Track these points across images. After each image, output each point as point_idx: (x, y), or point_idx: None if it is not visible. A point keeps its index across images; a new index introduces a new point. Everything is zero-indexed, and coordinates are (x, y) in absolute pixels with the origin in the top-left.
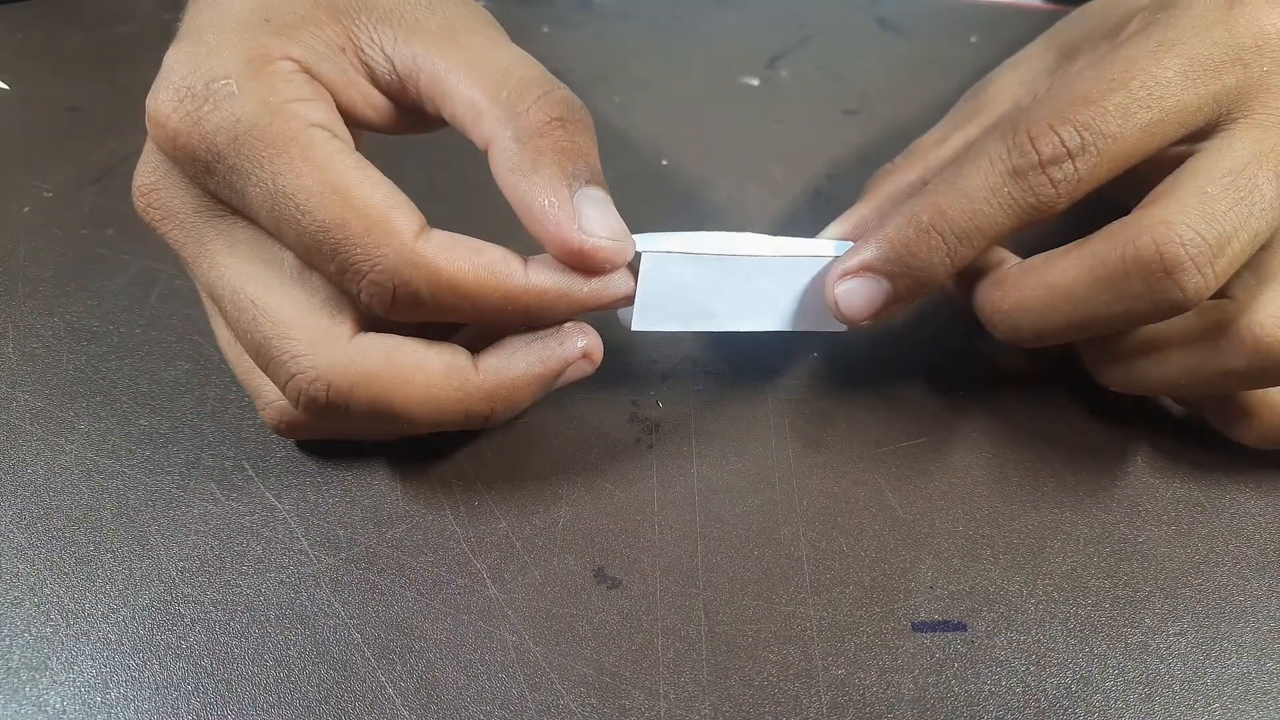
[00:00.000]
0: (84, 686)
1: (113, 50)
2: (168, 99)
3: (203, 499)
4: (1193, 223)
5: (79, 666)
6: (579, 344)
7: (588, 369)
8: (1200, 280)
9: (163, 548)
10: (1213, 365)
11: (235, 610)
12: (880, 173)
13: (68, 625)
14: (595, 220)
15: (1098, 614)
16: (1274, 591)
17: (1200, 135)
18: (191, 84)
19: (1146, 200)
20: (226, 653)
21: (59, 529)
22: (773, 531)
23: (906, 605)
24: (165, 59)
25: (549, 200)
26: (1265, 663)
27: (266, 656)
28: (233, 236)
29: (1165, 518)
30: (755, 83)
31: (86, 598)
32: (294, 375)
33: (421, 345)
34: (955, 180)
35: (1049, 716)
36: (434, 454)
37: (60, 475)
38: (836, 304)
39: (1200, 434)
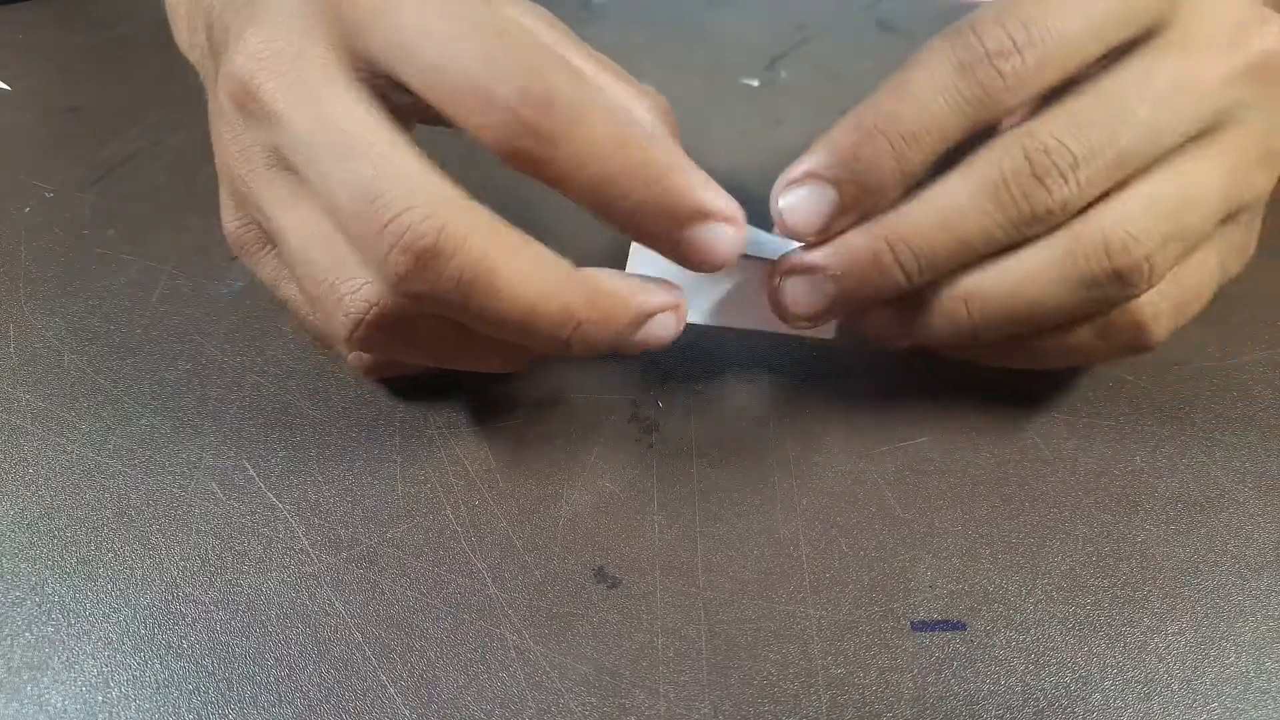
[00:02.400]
0: (85, 685)
1: (113, 50)
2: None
3: (204, 498)
4: (1058, 133)
5: (80, 665)
6: (675, 293)
7: (671, 326)
8: (1066, 189)
9: (164, 547)
10: (1074, 277)
11: (236, 609)
12: None
13: (69, 624)
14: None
15: (1097, 613)
16: (1274, 591)
17: (1129, 47)
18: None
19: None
20: (227, 652)
21: (60, 528)
22: (772, 531)
23: (906, 604)
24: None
25: (687, 164)
26: (1264, 662)
27: (267, 655)
28: (363, 91)
29: (1165, 517)
30: (755, 83)
31: (87, 597)
32: (408, 209)
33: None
34: (900, 81)
35: (1048, 716)
36: (435, 454)
37: (61, 475)
38: (782, 216)
39: (1201, 434)
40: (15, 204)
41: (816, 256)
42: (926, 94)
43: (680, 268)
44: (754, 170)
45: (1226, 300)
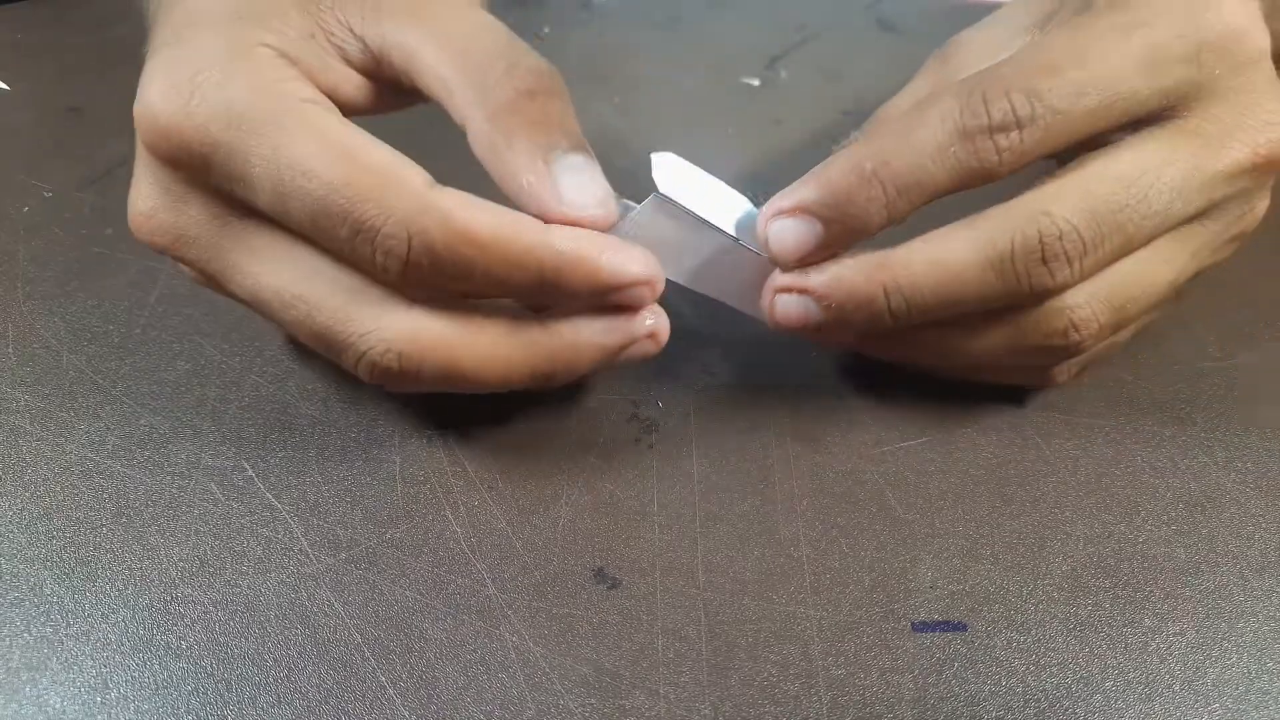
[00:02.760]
0: (84, 686)
1: (113, 50)
2: (156, 98)
3: (203, 499)
4: (1074, 218)
5: (79, 666)
6: (647, 321)
7: (651, 349)
8: (1068, 273)
9: (163, 548)
10: (1015, 344)
11: (235, 610)
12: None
13: (68, 625)
14: (573, 189)
15: (1097, 614)
16: (1274, 591)
17: (1138, 125)
18: (177, 80)
19: (1039, 184)
20: (226, 652)
21: (59, 529)
22: (772, 531)
23: (906, 605)
24: (144, 70)
25: (528, 179)
26: (1265, 663)
27: (266, 656)
28: (252, 242)
29: (1165, 517)
30: (755, 83)
31: (87, 598)
32: (364, 353)
33: (483, 310)
34: (905, 132)
35: (1049, 716)
36: (434, 454)
37: (60, 475)
38: (768, 241)
39: (1202, 434)
40: (14, 204)
41: (815, 284)
42: (926, 151)
43: (680, 235)
44: (754, 170)
45: (1227, 300)
